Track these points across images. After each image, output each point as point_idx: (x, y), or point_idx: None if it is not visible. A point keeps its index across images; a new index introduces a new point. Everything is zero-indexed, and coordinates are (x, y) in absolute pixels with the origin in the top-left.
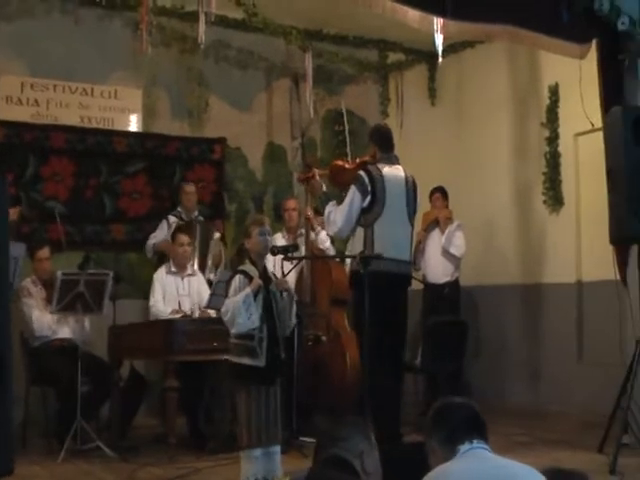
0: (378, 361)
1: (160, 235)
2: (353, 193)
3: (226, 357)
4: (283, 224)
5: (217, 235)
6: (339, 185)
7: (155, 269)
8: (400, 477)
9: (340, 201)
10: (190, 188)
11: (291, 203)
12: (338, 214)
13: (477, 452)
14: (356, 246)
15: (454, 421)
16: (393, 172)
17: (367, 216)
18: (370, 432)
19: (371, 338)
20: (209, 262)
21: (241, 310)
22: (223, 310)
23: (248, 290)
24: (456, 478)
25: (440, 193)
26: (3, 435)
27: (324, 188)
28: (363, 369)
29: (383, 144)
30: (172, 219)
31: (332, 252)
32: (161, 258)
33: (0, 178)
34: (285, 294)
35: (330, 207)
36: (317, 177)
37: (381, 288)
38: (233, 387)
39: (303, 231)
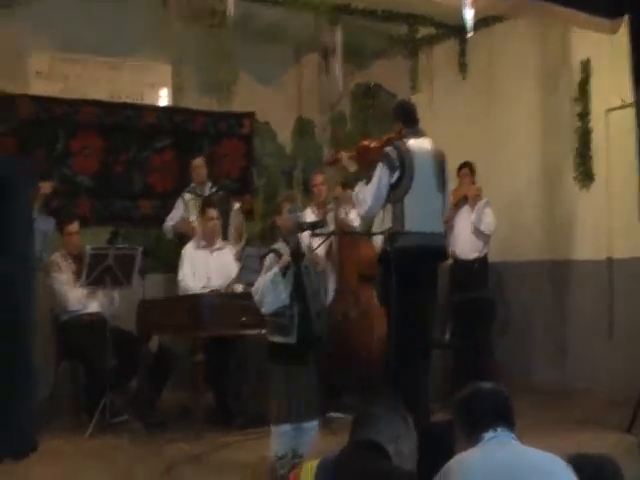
0: (406, 338)
1: (177, 215)
2: (380, 170)
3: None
4: (312, 199)
5: (236, 206)
6: (367, 165)
7: (184, 243)
8: (427, 457)
9: (369, 181)
10: (198, 162)
11: (319, 178)
12: (367, 193)
13: (500, 440)
14: (386, 223)
15: (480, 409)
16: (420, 145)
17: (396, 192)
18: (406, 414)
19: (400, 315)
20: (230, 234)
21: (269, 289)
22: (253, 290)
23: (276, 269)
24: (473, 467)
25: (468, 169)
26: (26, 413)
27: (352, 170)
28: (389, 346)
29: (407, 119)
30: (187, 196)
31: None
32: (181, 239)
33: (26, 162)
34: (319, 269)
35: (359, 187)
36: (344, 159)
37: (412, 264)
38: (267, 363)
39: (333, 206)
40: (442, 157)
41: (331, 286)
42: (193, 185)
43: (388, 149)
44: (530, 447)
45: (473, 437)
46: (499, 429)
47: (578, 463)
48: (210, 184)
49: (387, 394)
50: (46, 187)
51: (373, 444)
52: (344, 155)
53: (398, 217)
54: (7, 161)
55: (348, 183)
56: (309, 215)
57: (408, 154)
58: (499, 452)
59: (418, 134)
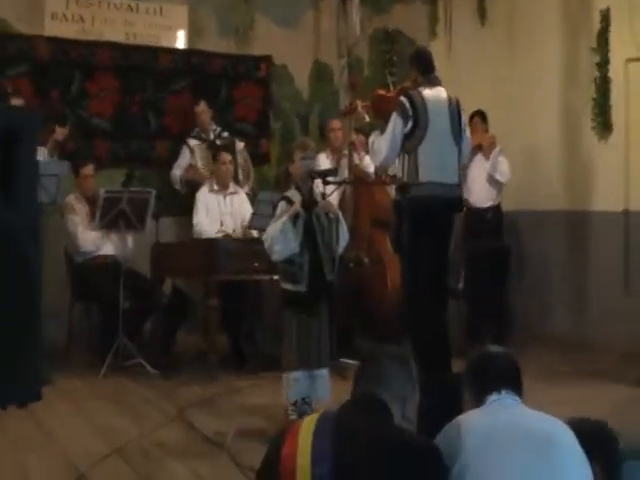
0: (419, 289)
1: (183, 162)
2: (395, 119)
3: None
4: (328, 144)
5: (241, 145)
6: (382, 114)
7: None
8: (446, 409)
9: (384, 130)
10: (201, 107)
11: (336, 123)
12: (382, 142)
13: (504, 403)
14: (399, 173)
15: (486, 372)
16: (435, 94)
17: (410, 141)
18: (415, 373)
19: (413, 265)
20: (240, 175)
21: (279, 238)
22: (264, 237)
23: (285, 217)
24: (473, 428)
25: (479, 117)
26: (30, 364)
27: (367, 119)
28: (403, 296)
29: (423, 67)
30: (192, 142)
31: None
32: (191, 187)
33: (33, 113)
34: (332, 215)
35: (373, 137)
36: (360, 108)
37: (425, 214)
38: (281, 309)
39: (347, 152)
40: (458, 106)
41: (342, 234)
42: (197, 130)
43: (402, 98)
44: (533, 410)
45: (479, 399)
46: (503, 392)
47: (577, 427)
48: (214, 127)
49: (400, 343)
50: (59, 133)
51: (378, 401)
52: (360, 104)
53: (412, 167)
54: (12, 111)
55: (362, 129)
56: (323, 160)
57: (422, 103)
58: (501, 414)
59: (434, 83)
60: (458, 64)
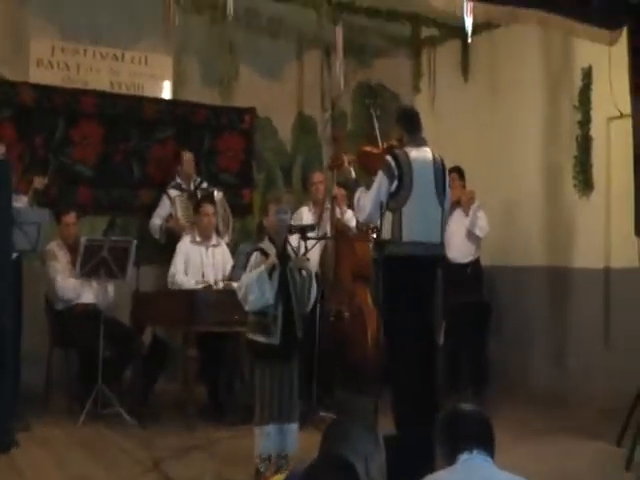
0: (403, 345)
1: (163, 212)
2: (380, 178)
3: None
4: (310, 197)
5: (219, 195)
6: (368, 170)
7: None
8: (417, 467)
9: (369, 187)
10: (189, 156)
11: (318, 176)
12: (367, 199)
13: (474, 463)
14: (384, 231)
15: (459, 430)
16: (421, 155)
17: (395, 200)
18: (378, 433)
19: (393, 322)
20: (220, 225)
21: (254, 287)
22: (237, 286)
23: (262, 268)
24: None
25: (457, 173)
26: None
27: (353, 174)
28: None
29: (410, 126)
30: (173, 192)
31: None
32: (170, 238)
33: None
34: (304, 272)
35: (359, 193)
36: (346, 164)
37: (405, 271)
38: (250, 362)
39: (329, 205)
40: (443, 166)
41: (313, 293)
42: (178, 180)
43: (388, 158)
44: (503, 471)
45: (451, 458)
46: (475, 451)
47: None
48: (195, 177)
49: (380, 396)
50: (39, 182)
51: (343, 461)
52: (346, 159)
53: (396, 226)
54: None
55: (345, 184)
56: (306, 213)
57: (408, 164)
58: (471, 475)
59: (420, 143)
60: (441, 118)
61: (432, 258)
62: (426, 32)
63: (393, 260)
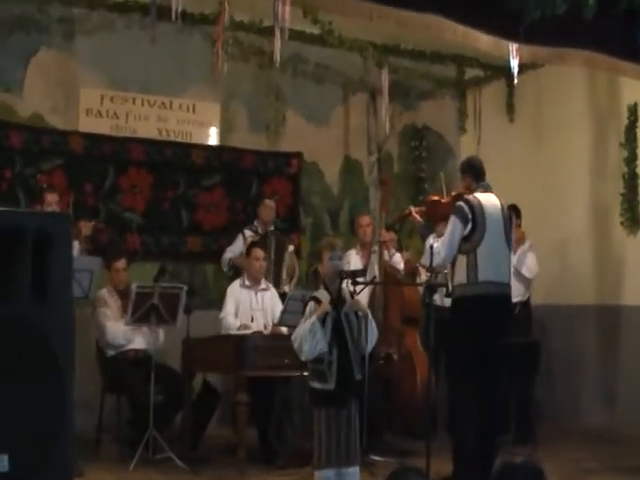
0: (470, 387)
1: (236, 249)
2: (454, 223)
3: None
4: (357, 240)
5: (291, 248)
6: (435, 219)
7: (230, 282)
8: None
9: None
10: (271, 203)
11: (365, 219)
12: (441, 244)
13: None
14: (458, 273)
15: None
16: (489, 200)
17: (469, 243)
18: None
19: (470, 365)
20: (284, 274)
21: (307, 338)
22: (293, 337)
23: (314, 318)
24: None
25: (513, 213)
26: (65, 439)
27: (419, 223)
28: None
29: (476, 174)
30: (248, 233)
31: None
32: (237, 272)
33: (65, 218)
34: (360, 314)
35: (431, 240)
36: (414, 214)
37: (482, 311)
38: (310, 408)
39: (376, 248)
40: (509, 212)
41: (371, 333)
42: (256, 224)
43: (460, 203)
44: None
45: None
46: None
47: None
48: (273, 227)
49: (430, 439)
50: (87, 227)
51: None
52: (413, 210)
53: (471, 267)
54: (42, 216)
55: (392, 227)
56: (353, 256)
57: (480, 207)
58: None
59: (487, 189)
60: (487, 159)
61: (504, 296)
62: (470, 73)
63: (468, 300)
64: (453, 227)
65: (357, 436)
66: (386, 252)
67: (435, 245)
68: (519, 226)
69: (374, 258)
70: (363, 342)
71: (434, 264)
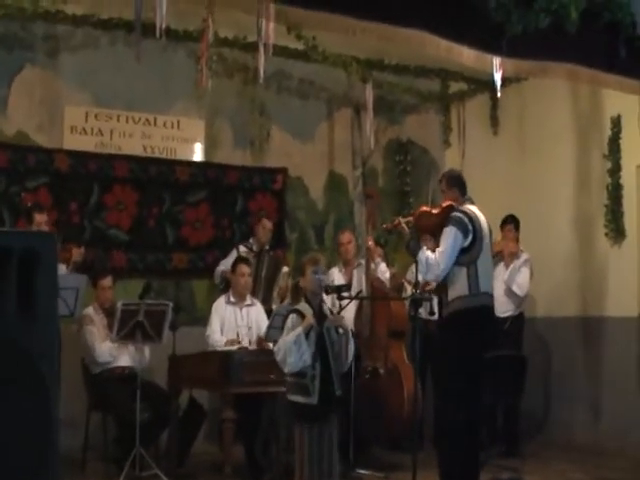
0: (467, 399)
1: (229, 263)
2: (454, 234)
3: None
4: (339, 258)
5: (285, 269)
6: (424, 230)
7: (218, 297)
8: None
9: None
10: (269, 224)
11: (345, 237)
12: (440, 257)
13: None
14: (457, 285)
15: None
16: (477, 212)
17: (469, 254)
18: None
19: (468, 376)
20: (275, 294)
21: (292, 350)
22: (275, 349)
23: (299, 330)
24: None
25: (513, 225)
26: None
27: (408, 233)
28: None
29: (463, 188)
30: (242, 249)
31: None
32: (228, 285)
33: (50, 237)
34: (341, 331)
35: (425, 252)
36: (403, 224)
37: (482, 322)
38: (289, 422)
39: (362, 262)
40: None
41: (350, 350)
42: (251, 241)
43: (458, 214)
44: None
45: None
46: None
47: None
48: (267, 247)
49: (415, 451)
50: (77, 253)
51: None
52: (401, 220)
53: (472, 279)
54: (27, 235)
55: (378, 241)
56: (336, 274)
57: (476, 219)
58: None
59: (471, 201)
60: (472, 172)
61: (492, 307)
62: (455, 87)
63: (472, 312)
64: (454, 239)
65: (336, 451)
66: (372, 263)
67: (432, 257)
68: (517, 239)
69: (360, 272)
70: (343, 359)
71: (430, 277)
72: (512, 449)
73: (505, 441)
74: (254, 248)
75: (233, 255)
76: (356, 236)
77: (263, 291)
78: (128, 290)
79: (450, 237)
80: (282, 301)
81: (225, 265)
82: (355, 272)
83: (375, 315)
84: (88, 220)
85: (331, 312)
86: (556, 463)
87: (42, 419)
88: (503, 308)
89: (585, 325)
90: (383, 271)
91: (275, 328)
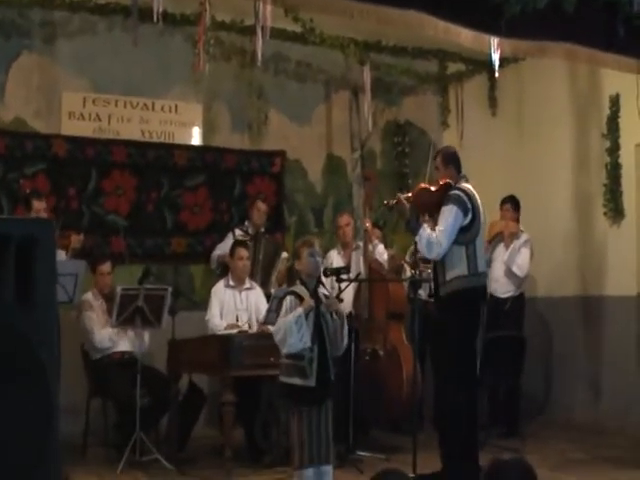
0: (467, 378)
1: (225, 247)
2: (455, 212)
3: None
4: (338, 240)
5: (285, 255)
6: (422, 208)
7: (216, 282)
8: None
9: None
10: (263, 206)
11: (344, 219)
12: (440, 235)
13: None
14: (456, 265)
15: None
16: (473, 190)
17: (469, 233)
18: None
19: (465, 355)
20: (273, 278)
21: (293, 330)
22: (274, 330)
23: (300, 310)
24: None
25: (511, 204)
26: (51, 444)
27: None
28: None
29: (458, 165)
30: (238, 232)
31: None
32: (225, 270)
33: (48, 224)
34: (335, 315)
35: (427, 230)
36: (403, 201)
37: (480, 301)
38: (286, 406)
39: (360, 244)
40: None
41: (345, 335)
42: (247, 224)
43: (457, 192)
44: None
45: None
46: None
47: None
48: (263, 229)
49: (416, 433)
50: (76, 240)
51: None
52: (402, 196)
53: (472, 259)
54: (25, 222)
55: (377, 223)
56: (335, 256)
57: (474, 197)
58: None
59: (466, 179)
60: (470, 153)
61: (487, 289)
62: (452, 68)
63: (471, 291)
64: (454, 217)
65: (331, 433)
66: (370, 244)
67: (434, 235)
68: (517, 219)
69: (358, 254)
70: (339, 342)
71: (432, 255)
72: (512, 429)
73: (505, 421)
74: (250, 231)
75: (229, 239)
76: (355, 218)
77: (261, 275)
78: (127, 275)
79: (450, 215)
80: (280, 285)
81: (221, 249)
82: (354, 254)
83: (374, 297)
84: (86, 205)
85: (326, 296)
86: (556, 442)
87: (42, 406)
88: (503, 289)
89: (585, 304)
90: (381, 252)
91: (274, 311)
